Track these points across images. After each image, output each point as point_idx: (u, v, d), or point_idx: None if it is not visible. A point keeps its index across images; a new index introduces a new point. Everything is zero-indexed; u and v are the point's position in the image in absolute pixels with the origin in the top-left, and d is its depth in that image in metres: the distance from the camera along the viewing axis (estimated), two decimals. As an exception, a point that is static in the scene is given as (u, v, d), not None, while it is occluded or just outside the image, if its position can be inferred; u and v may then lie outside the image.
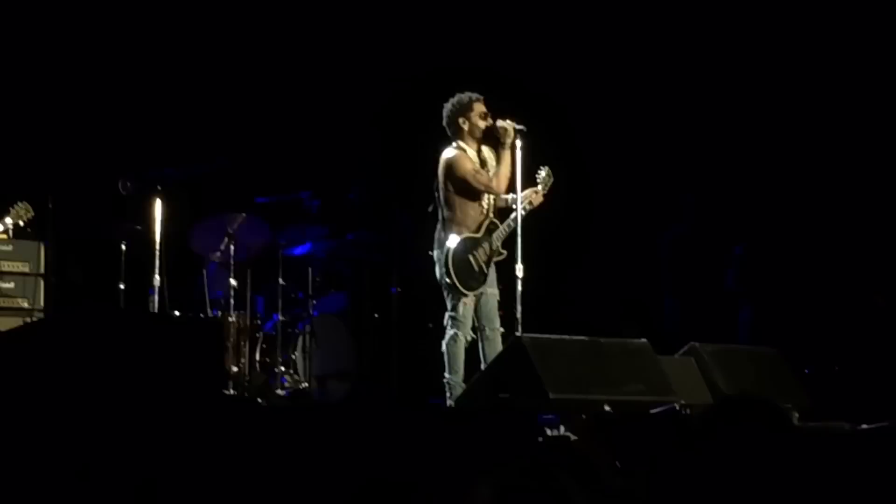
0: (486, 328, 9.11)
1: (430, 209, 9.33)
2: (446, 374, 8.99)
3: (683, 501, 3.19)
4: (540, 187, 9.30)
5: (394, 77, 12.72)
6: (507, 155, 9.06)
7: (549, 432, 7.01)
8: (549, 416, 7.19)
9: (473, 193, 9.17)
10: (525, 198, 9.16)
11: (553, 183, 9.33)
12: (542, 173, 9.34)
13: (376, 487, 5.20)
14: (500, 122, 9.09)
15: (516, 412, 7.42)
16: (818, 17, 12.01)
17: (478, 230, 9.16)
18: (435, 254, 9.21)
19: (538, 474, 2.80)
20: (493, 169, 9.23)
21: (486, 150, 9.30)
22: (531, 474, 2.80)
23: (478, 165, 9.20)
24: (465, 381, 8.87)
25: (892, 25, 11.79)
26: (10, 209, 10.02)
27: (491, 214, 9.23)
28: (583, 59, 12.64)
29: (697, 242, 12.54)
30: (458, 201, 9.18)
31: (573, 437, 6.86)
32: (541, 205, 9.30)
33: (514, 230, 8.97)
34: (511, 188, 9.10)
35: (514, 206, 9.04)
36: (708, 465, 3.16)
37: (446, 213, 9.20)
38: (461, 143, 9.24)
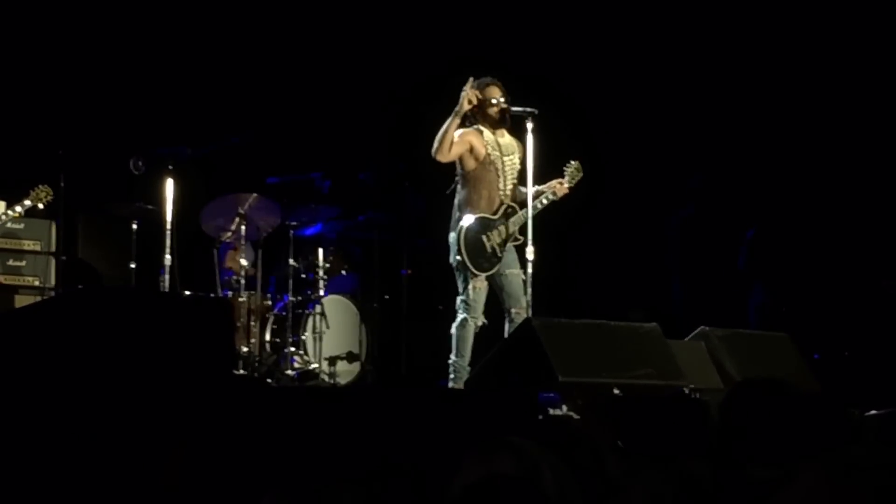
0: (513, 309, 9.06)
1: (449, 191, 9.31)
2: (452, 357, 8.99)
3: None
4: (566, 179, 9.31)
5: (406, 58, 12.73)
6: (449, 121, 8.97)
7: (551, 412, 7.02)
8: (551, 395, 7.19)
9: (486, 175, 9.15)
10: (548, 188, 9.19)
11: (582, 178, 9.37)
12: (572, 166, 9.36)
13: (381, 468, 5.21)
14: (463, 91, 9.05)
15: (518, 391, 7.43)
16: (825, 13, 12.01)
17: (495, 212, 9.14)
18: (450, 237, 9.18)
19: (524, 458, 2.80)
20: (511, 154, 9.20)
21: (507, 136, 9.26)
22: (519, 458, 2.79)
23: (489, 149, 9.15)
24: (471, 365, 8.87)
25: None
26: (31, 191, 10.04)
27: (508, 199, 9.20)
28: (591, 42, 12.62)
29: (706, 224, 12.52)
30: (473, 182, 9.16)
31: (576, 417, 6.87)
32: (564, 196, 9.31)
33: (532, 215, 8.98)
34: (520, 177, 9.09)
35: (536, 196, 9.05)
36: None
37: (462, 193, 9.19)
38: (479, 126, 9.22)
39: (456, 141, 9.05)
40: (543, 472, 2.74)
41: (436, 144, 9.01)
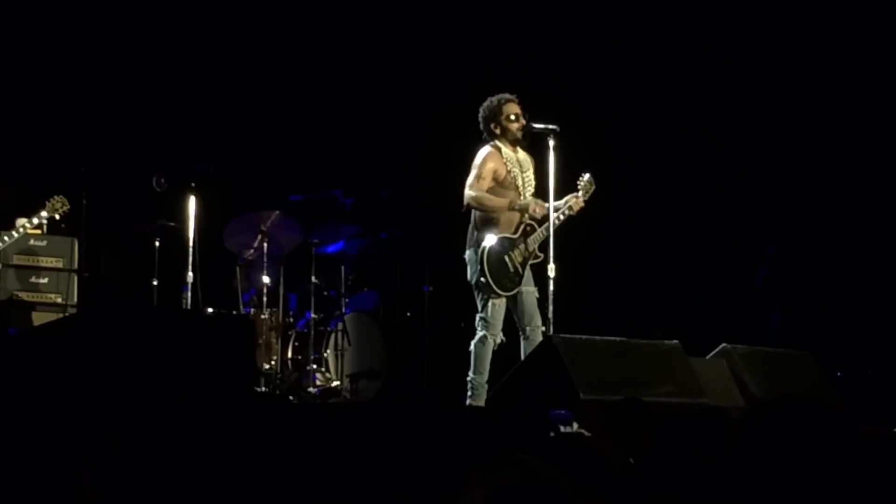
0: (528, 327, 9.04)
1: (464, 209, 9.29)
2: (470, 374, 8.97)
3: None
4: (580, 193, 9.27)
5: (428, 76, 12.75)
6: (504, 205, 9.08)
7: (563, 429, 7.00)
8: (562, 413, 7.17)
9: (505, 192, 9.14)
10: (564, 203, 9.16)
11: (595, 190, 9.34)
12: (584, 179, 9.32)
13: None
14: (532, 206, 9.09)
15: (532, 409, 7.40)
16: (854, 16, 11.95)
17: (515, 231, 9.12)
18: (467, 254, 9.17)
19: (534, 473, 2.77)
20: (528, 170, 9.21)
21: (521, 152, 9.27)
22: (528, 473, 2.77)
23: (510, 166, 9.16)
24: (490, 382, 8.85)
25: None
26: (46, 203, 10.07)
27: (527, 216, 9.18)
28: (616, 60, 12.61)
29: (730, 242, 12.49)
30: (491, 199, 9.17)
31: (587, 434, 6.84)
32: (581, 210, 9.27)
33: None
34: (543, 189, 9.07)
35: (554, 212, 9.04)
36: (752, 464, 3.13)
37: (479, 212, 9.17)
38: (497, 143, 9.21)
39: (483, 177, 9.09)
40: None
41: (476, 206, 9.07)
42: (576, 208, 9.23)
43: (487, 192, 9.12)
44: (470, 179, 9.13)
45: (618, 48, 12.65)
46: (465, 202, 9.13)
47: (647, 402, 7.74)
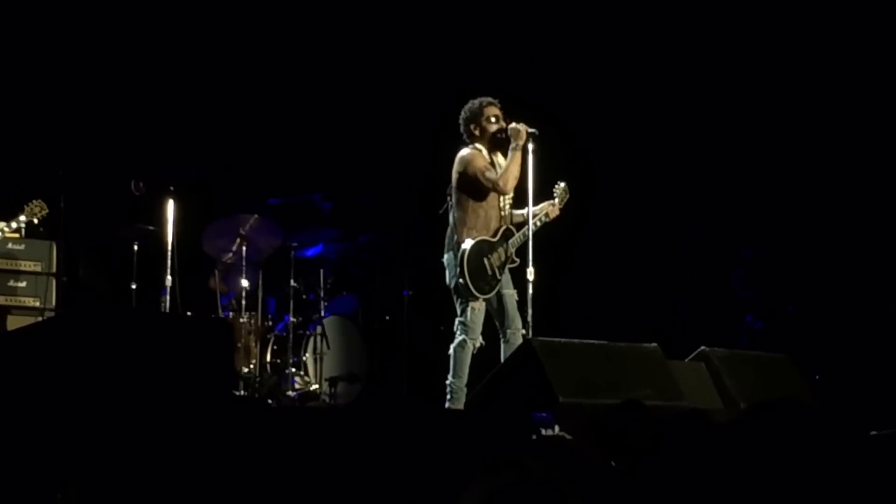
0: (508, 330, 9.03)
1: (441, 211, 9.29)
2: (450, 377, 8.97)
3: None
4: (556, 201, 9.29)
5: (408, 80, 12.74)
6: (517, 156, 9.02)
7: (543, 432, 7.00)
8: (544, 415, 7.18)
9: (486, 195, 9.13)
10: (541, 209, 9.15)
11: (568, 199, 9.34)
12: (560, 188, 9.33)
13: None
14: (512, 124, 9.06)
15: (513, 411, 7.41)
16: (837, 23, 11.97)
17: (494, 234, 9.12)
18: (446, 258, 9.16)
19: (529, 474, 2.77)
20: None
21: (500, 155, 9.27)
22: (522, 473, 2.77)
23: (497, 169, 9.16)
24: (469, 385, 8.85)
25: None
26: (25, 206, 10.04)
27: (505, 220, 9.18)
28: (600, 66, 12.61)
29: (712, 245, 12.50)
30: (472, 203, 9.12)
31: (568, 437, 6.84)
32: (556, 218, 9.28)
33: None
34: (522, 192, 9.07)
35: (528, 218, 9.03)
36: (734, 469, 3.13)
37: (458, 214, 9.14)
38: (477, 145, 9.21)
39: (487, 167, 9.08)
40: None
41: (510, 181, 9.00)
42: (552, 215, 9.25)
43: (469, 195, 9.11)
44: (487, 174, 9.05)
45: (600, 50, 12.64)
46: (500, 188, 9.05)
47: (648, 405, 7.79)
